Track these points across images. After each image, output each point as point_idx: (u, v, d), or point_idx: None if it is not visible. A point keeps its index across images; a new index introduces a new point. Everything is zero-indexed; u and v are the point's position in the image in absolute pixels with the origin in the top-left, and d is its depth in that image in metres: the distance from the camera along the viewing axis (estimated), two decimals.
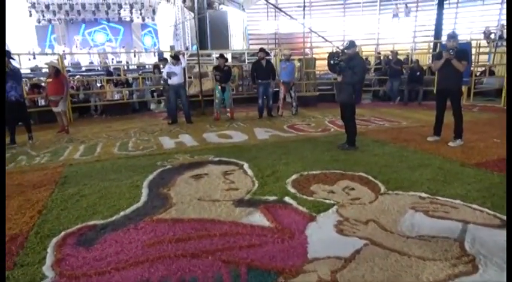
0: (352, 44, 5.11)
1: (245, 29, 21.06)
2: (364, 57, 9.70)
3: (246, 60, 10.98)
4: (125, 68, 16.08)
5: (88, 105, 9.64)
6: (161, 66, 9.81)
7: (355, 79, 4.91)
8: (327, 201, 3.14)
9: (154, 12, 23.46)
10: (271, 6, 17.85)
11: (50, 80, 7.49)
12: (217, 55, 8.78)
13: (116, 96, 10.14)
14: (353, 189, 3.45)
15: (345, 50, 5.20)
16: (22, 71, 7.89)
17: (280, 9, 14.02)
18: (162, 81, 8.87)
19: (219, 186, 3.68)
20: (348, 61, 5.00)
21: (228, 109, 8.28)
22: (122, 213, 3.09)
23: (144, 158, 4.97)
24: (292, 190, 3.44)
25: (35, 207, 3.31)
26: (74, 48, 20.73)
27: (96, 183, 3.96)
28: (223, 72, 8.07)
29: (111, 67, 15.22)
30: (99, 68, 15.76)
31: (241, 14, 21.14)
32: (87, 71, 15.82)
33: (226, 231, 2.72)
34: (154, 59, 18.04)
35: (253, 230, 2.70)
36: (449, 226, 2.61)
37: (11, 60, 6.49)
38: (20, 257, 2.46)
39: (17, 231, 2.85)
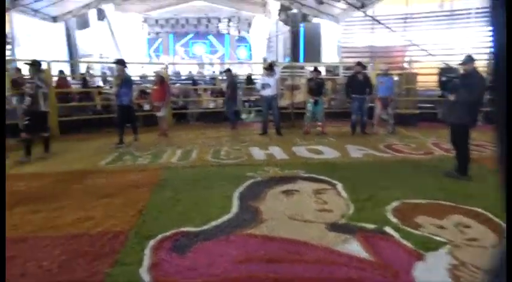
0: (469, 59, 4.53)
1: (338, 42, 20.62)
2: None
3: (340, 74, 10.65)
4: (220, 78, 16.90)
5: (186, 111, 10.29)
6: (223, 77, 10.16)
7: (472, 98, 4.31)
8: (437, 238, 2.74)
9: (249, 25, 24.44)
10: (369, 18, 17.18)
11: (156, 87, 8.15)
12: (311, 68, 8.66)
13: (211, 105, 10.66)
14: (468, 226, 2.96)
15: (460, 66, 4.65)
16: (133, 78, 8.74)
17: (378, 21, 13.39)
18: (226, 88, 9.17)
19: (311, 205, 3.49)
20: (463, 78, 4.44)
21: (319, 123, 8.04)
22: (213, 223, 3.09)
23: (235, 168, 5.02)
24: (394, 219, 3.09)
25: (135, 207, 3.50)
26: (176, 59, 22.60)
27: (190, 188, 4.08)
28: (316, 85, 7.92)
29: (207, 77, 16.14)
30: (198, 78, 16.83)
31: (334, 27, 20.78)
32: (186, 80, 17.00)
33: (320, 257, 2.52)
34: (247, 70, 18.66)
35: (351, 261, 2.45)
36: None
37: (125, 69, 7.20)
38: (121, 256, 2.57)
39: (119, 228, 3.02)
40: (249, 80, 12.31)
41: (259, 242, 2.76)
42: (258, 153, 5.95)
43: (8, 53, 14.88)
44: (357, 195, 3.70)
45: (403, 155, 5.80)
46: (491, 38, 0.74)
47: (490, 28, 0.72)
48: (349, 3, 12.34)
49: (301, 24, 17.77)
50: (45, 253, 2.61)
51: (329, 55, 19.82)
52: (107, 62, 17.71)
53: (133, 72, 11.57)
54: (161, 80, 8.11)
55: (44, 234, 2.94)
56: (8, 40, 15.02)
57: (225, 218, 3.21)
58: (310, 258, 2.51)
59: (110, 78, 14.20)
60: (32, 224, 3.14)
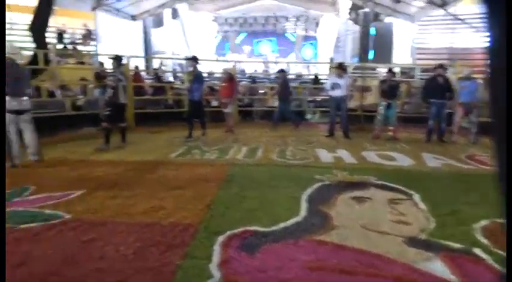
0: None
1: (412, 42, 19.43)
2: None
3: (416, 76, 9.97)
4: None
5: (251, 109, 10.37)
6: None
7: None
8: None
9: (317, 24, 24.04)
10: (447, 17, 15.90)
11: (224, 84, 8.31)
12: (383, 69, 8.22)
13: (276, 104, 10.60)
14: None
15: None
16: (203, 75, 8.99)
17: (462, 19, 12.32)
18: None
19: (385, 215, 3.24)
20: None
21: (391, 127, 7.59)
22: (281, 225, 3.00)
23: (301, 169, 4.89)
24: (484, 240, 2.74)
25: (204, 201, 3.53)
26: (243, 57, 23.00)
27: (256, 186, 4.04)
28: (390, 87, 7.48)
29: (272, 75, 16.16)
30: (262, 77, 16.95)
31: (409, 26, 19.62)
32: (251, 78, 17.23)
33: (399, 274, 2.30)
34: (312, 70, 18.36)
35: None
36: None
37: (197, 65, 7.42)
38: (190, 248, 2.58)
39: (189, 221, 3.05)
40: (316, 80, 12.07)
41: (330, 250, 2.61)
42: (325, 156, 5.75)
43: (92, 48, 16.29)
44: (438, 209, 3.37)
45: (489, 168, 5.21)
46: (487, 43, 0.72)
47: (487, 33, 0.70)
48: (429, 2, 11.51)
49: (373, 24, 17.01)
50: (121, 238, 2.72)
51: (401, 56, 18.74)
52: (178, 59, 18.56)
53: (204, 69, 11.94)
54: (230, 77, 8.24)
55: (121, 219, 3.08)
56: (92, 36, 16.45)
57: (293, 220, 3.10)
58: (388, 273, 2.30)
59: (179, 74, 14.86)
60: (109, 209, 3.31)
